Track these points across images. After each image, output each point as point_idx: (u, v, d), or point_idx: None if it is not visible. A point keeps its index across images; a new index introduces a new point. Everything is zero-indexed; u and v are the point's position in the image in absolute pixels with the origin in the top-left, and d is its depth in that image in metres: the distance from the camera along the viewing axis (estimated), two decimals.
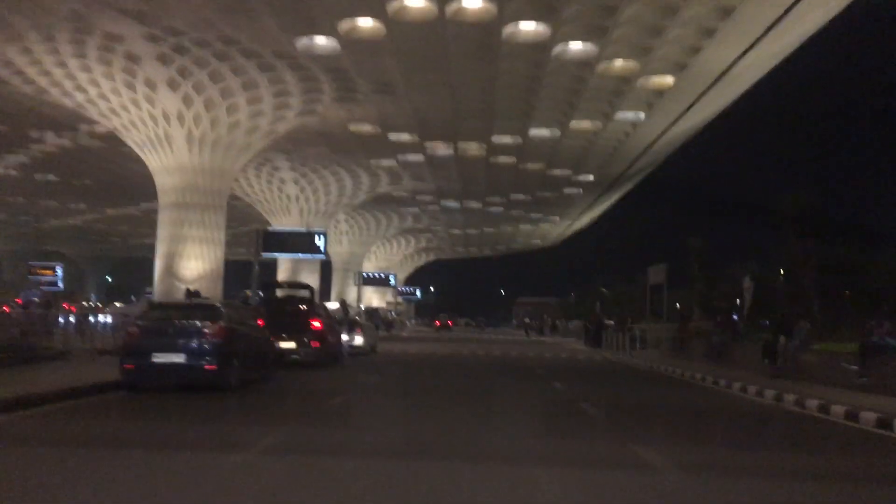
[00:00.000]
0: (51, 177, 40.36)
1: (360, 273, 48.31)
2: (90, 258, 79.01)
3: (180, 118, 24.30)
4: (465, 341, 42.77)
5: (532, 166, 37.36)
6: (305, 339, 17.61)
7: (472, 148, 34.04)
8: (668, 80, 23.73)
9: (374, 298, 76.39)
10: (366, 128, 30.64)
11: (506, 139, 32.11)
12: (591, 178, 39.93)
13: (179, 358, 12.06)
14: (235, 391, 12.38)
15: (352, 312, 42.32)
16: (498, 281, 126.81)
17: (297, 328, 17.61)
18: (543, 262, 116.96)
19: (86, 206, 52.92)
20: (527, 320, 71.99)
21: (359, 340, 23.44)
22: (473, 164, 37.18)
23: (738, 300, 30.84)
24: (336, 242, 57.66)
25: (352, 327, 23.50)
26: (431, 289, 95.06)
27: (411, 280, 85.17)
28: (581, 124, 29.30)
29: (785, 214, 32.73)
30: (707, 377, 17.63)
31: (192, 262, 25.21)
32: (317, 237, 23.80)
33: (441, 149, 34.29)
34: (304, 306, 19.03)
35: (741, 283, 27.12)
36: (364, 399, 13.10)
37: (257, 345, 14.26)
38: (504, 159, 36.04)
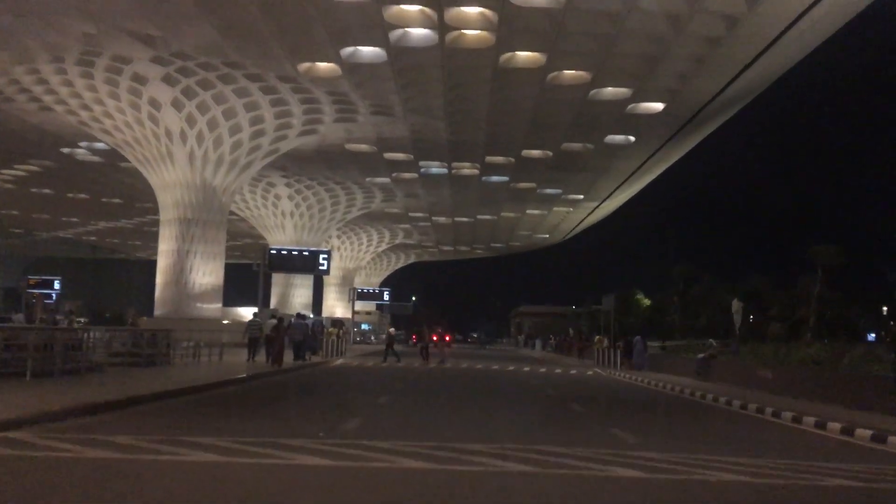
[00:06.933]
0: None
1: (267, 249, 28.91)
2: None
3: None
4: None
5: (568, 76, 22.23)
6: None
7: (472, 21, 18.88)
8: None
9: (337, 307, 60.89)
10: None
11: None
12: (659, 107, 24.81)
13: None
14: None
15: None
16: (493, 287, 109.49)
17: None
18: (548, 263, 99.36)
19: None
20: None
21: None
22: (469, 73, 22.03)
23: None
24: (277, 228, 42.20)
25: None
26: (413, 299, 79.18)
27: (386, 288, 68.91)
28: None
29: None
30: None
31: None
32: None
33: (415, 24, 19.09)
34: None
35: None
36: None
37: None
38: (524, 57, 20.89)
